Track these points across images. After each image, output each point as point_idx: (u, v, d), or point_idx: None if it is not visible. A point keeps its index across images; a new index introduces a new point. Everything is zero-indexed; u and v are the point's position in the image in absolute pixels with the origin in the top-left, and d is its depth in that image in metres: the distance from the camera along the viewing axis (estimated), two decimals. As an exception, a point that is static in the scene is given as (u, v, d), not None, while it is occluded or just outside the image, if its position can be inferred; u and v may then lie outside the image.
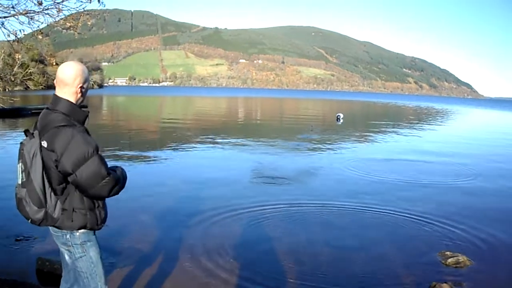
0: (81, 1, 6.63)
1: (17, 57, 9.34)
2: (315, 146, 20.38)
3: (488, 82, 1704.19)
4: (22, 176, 3.20)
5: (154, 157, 16.10)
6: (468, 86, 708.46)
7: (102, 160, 3.15)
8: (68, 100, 3.21)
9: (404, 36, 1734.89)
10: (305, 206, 9.68)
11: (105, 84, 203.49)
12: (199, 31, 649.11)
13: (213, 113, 47.47)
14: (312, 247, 7.24)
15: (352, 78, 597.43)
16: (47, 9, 6.52)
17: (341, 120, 37.62)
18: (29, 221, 3.28)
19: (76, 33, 7.50)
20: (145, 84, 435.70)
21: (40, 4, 6.43)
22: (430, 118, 50.89)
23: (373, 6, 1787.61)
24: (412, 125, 37.34)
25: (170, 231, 7.72)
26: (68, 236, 3.30)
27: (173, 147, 18.58)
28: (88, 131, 3.32)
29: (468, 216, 9.16)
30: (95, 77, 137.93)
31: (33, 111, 33.70)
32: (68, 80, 3.20)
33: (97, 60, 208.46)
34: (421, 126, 36.96)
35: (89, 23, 7.57)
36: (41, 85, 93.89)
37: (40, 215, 3.21)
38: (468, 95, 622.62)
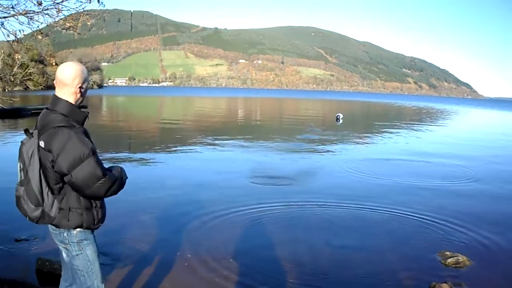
0: (81, 1, 6.64)
1: (16, 57, 9.35)
2: (314, 146, 20.38)
3: (488, 82, 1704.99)
4: (20, 175, 3.25)
5: (154, 157, 16.10)
6: (467, 86, 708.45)
7: (98, 161, 3.16)
8: (67, 101, 3.22)
9: (404, 36, 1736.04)
10: (305, 206, 9.68)
11: (105, 84, 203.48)
12: (198, 31, 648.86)
13: (213, 114, 47.46)
14: (312, 247, 7.24)
15: (351, 78, 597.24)
16: (47, 9, 6.53)
17: (341, 120, 37.63)
18: (27, 218, 3.31)
19: (75, 33, 7.50)
20: (145, 84, 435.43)
21: (40, 4, 6.44)
22: (430, 119, 50.94)
23: (372, 6, 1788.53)
24: (412, 125, 37.34)
25: (169, 231, 7.72)
26: (65, 234, 3.32)
27: (173, 148, 18.58)
28: (88, 132, 3.34)
29: (467, 216, 9.16)
30: (95, 77, 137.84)
31: (32, 111, 33.70)
32: (67, 80, 3.22)
33: (96, 60, 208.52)
34: (421, 126, 36.95)
35: (88, 23, 7.57)
36: (41, 85, 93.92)
37: (37, 213, 3.24)
38: (467, 95, 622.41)
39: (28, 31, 7.19)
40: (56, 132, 3.09)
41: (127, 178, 3.49)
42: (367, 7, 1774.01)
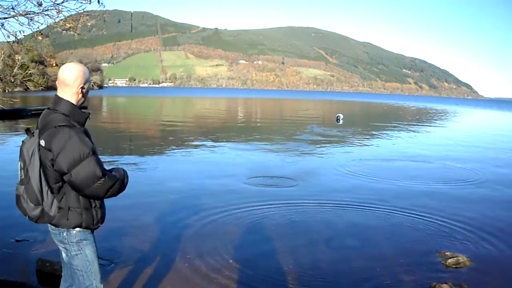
0: (81, 2, 6.64)
1: (17, 58, 9.38)
2: (315, 147, 20.36)
3: (488, 82, 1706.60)
4: (21, 174, 3.27)
5: (155, 158, 16.12)
6: (468, 86, 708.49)
7: (98, 161, 3.17)
8: (68, 101, 3.25)
9: (404, 37, 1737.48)
10: (305, 206, 9.69)
11: (105, 85, 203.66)
12: (198, 31, 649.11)
13: (213, 114, 47.46)
14: (312, 246, 7.25)
15: (352, 79, 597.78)
16: (47, 10, 6.53)
17: (341, 121, 37.59)
18: (27, 217, 3.33)
19: (76, 34, 7.51)
20: (145, 85, 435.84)
21: (40, 5, 6.44)
22: (430, 119, 50.95)
23: (372, 6, 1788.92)
24: (411, 126, 37.32)
25: (170, 232, 7.72)
26: (64, 234, 3.33)
27: (173, 148, 18.56)
28: (88, 132, 3.36)
29: (467, 217, 9.16)
30: (95, 78, 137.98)
31: (33, 112, 33.71)
32: (69, 81, 3.25)
33: (97, 61, 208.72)
34: (421, 127, 36.99)
35: (89, 24, 7.58)
36: (41, 86, 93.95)
37: (36, 212, 3.25)
38: (468, 96, 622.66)
39: (28, 32, 7.20)
40: (57, 131, 3.11)
41: (128, 181, 3.48)
42: (367, 7, 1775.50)
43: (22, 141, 3.31)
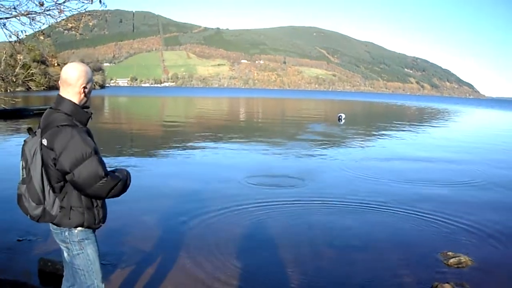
0: (83, 2, 6.63)
1: (18, 58, 9.35)
2: (317, 146, 20.36)
3: (490, 82, 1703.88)
4: (22, 173, 3.28)
5: (157, 158, 16.16)
6: (469, 86, 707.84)
7: (100, 161, 3.17)
8: (71, 101, 3.25)
9: (406, 36, 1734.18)
10: (307, 205, 9.71)
11: (107, 85, 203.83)
12: (200, 31, 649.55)
13: (215, 114, 47.55)
14: (314, 246, 7.24)
15: (353, 78, 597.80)
16: (49, 10, 6.52)
17: (343, 121, 37.57)
18: (28, 217, 3.34)
19: (77, 34, 7.50)
20: (147, 84, 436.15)
21: (42, 5, 6.43)
22: (432, 119, 50.92)
23: (374, 6, 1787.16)
24: (414, 125, 37.33)
25: (171, 232, 7.73)
26: (66, 234, 3.33)
27: (175, 148, 18.58)
28: (91, 132, 3.35)
29: (470, 216, 9.15)
30: (97, 77, 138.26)
31: (35, 111, 33.74)
32: (71, 80, 3.25)
33: (98, 61, 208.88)
34: (423, 126, 37.01)
35: (90, 23, 7.58)
36: (43, 85, 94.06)
37: (38, 211, 3.26)
38: (469, 95, 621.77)
39: (30, 31, 7.20)
40: (59, 130, 3.11)
41: (131, 182, 3.48)
42: (369, 7, 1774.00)
43: (24, 141, 3.31)
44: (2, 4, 6.58)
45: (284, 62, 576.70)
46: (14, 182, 3.48)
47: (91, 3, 6.71)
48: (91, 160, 3.11)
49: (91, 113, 3.40)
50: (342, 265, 6.54)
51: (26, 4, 6.50)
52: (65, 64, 3.54)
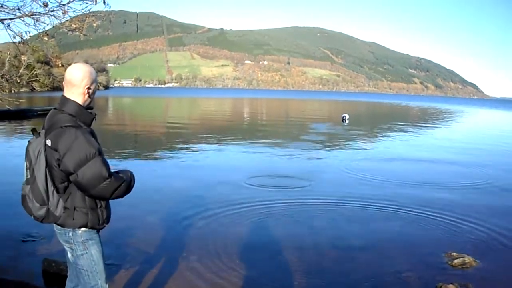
0: (87, 3, 6.63)
1: (23, 58, 9.37)
2: (320, 146, 20.35)
3: (494, 82, 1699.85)
4: (27, 174, 3.28)
5: (161, 159, 16.17)
6: (473, 86, 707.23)
7: (104, 162, 3.17)
8: (75, 101, 3.26)
9: (410, 37, 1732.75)
10: (310, 204, 9.72)
11: (111, 86, 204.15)
12: (204, 32, 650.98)
13: (219, 115, 47.54)
14: (317, 246, 7.23)
15: (357, 79, 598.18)
16: (53, 10, 6.52)
17: (347, 121, 37.50)
18: (32, 217, 3.34)
19: (81, 34, 7.51)
20: (151, 85, 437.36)
21: (46, 6, 6.43)
22: (435, 119, 50.82)
23: (378, 6, 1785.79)
24: (418, 126, 37.31)
25: (175, 232, 7.73)
26: (70, 234, 3.34)
27: (179, 149, 18.59)
28: (95, 133, 3.35)
29: (474, 216, 9.12)
30: (101, 78, 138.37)
31: (39, 112, 33.84)
32: (75, 81, 3.26)
33: (102, 62, 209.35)
34: (427, 127, 37.00)
35: (94, 24, 7.58)
36: (47, 86, 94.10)
37: (42, 212, 3.26)
38: (474, 95, 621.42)
39: (34, 32, 7.19)
40: (63, 131, 3.12)
41: (135, 183, 3.48)
42: (373, 7, 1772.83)
43: (28, 141, 3.31)
44: (6, 5, 6.59)
45: (288, 63, 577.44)
46: (18, 183, 3.49)
47: (95, 4, 6.72)
48: (95, 161, 3.12)
49: (95, 114, 3.40)
50: (345, 266, 6.52)
51: (30, 5, 6.50)
52: (69, 65, 3.54)
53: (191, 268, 6.17)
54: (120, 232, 7.23)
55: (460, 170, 14.91)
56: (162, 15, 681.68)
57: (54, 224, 3.37)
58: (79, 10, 6.72)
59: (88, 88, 3.31)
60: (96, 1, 6.70)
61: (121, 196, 3.33)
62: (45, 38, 7.62)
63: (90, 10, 6.85)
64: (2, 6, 6.58)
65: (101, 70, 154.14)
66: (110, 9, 7.26)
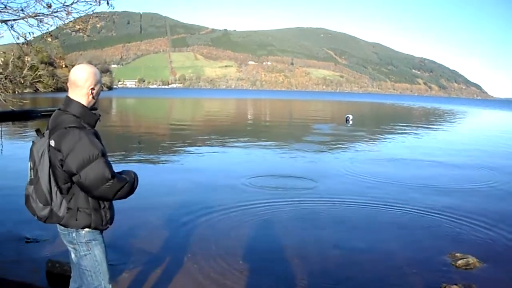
0: (90, 4, 6.65)
1: (26, 59, 9.38)
2: (324, 147, 20.34)
3: (498, 82, 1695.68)
4: (30, 174, 3.30)
5: (164, 160, 16.18)
6: (477, 87, 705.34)
7: (107, 163, 3.18)
8: (79, 102, 3.27)
9: (413, 37, 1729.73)
10: (314, 205, 9.73)
11: (115, 86, 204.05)
12: (208, 33, 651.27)
13: (223, 116, 47.56)
14: (321, 247, 7.23)
15: (361, 79, 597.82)
16: (56, 11, 6.54)
17: (351, 122, 37.45)
18: (35, 217, 3.35)
19: (85, 35, 7.54)
20: (154, 86, 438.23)
21: (49, 6, 6.45)
22: (439, 120, 50.73)
23: (381, 7, 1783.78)
24: (422, 126, 37.25)
25: (178, 233, 7.72)
26: (74, 235, 3.34)
27: (182, 150, 18.62)
28: (98, 134, 3.36)
29: (478, 217, 9.09)
30: (105, 79, 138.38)
31: (42, 113, 33.89)
32: (79, 82, 3.26)
33: (106, 62, 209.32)
34: (431, 127, 36.93)
35: (98, 25, 7.62)
36: (51, 87, 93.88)
37: (45, 212, 3.27)
38: (477, 96, 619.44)
39: (38, 33, 7.23)
40: (67, 132, 3.12)
41: (138, 184, 3.48)
42: (376, 7, 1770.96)
43: (32, 142, 3.33)
44: (10, 6, 6.62)
45: (292, 63, 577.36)
46: (22, 184, 3.49)
47: (99, 5, 6.74)
48: (98, 162, 3.12)
49: (99, 115, 3.40)
50: (349, 266, 6.51)
51: (34, 6, 6.53)
52: (72, 65, 3.55)
53: (195, 268, 6.17)
54: (123, 233, 7.24)
55: (464, 173, 14.84)
56: (166, 16, 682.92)
57: (58, 225, 3.37)
58: (83, 11, 6.74)
59: (92, 89, 3.30)
60: (99, 2, 6.72)
61: (124, 197, 3.33)
62: (49, 39, 7.64)
63: (94, 11, 6.87)
64: (6, 7, 6.61)
65: (104, 71, 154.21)
66: (114, 10, 7.29)
